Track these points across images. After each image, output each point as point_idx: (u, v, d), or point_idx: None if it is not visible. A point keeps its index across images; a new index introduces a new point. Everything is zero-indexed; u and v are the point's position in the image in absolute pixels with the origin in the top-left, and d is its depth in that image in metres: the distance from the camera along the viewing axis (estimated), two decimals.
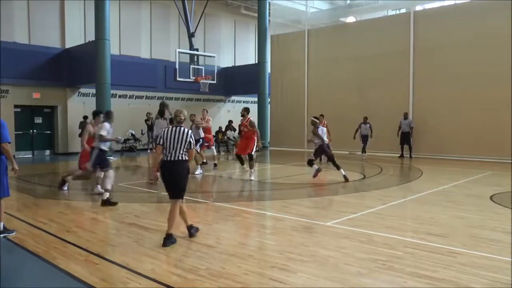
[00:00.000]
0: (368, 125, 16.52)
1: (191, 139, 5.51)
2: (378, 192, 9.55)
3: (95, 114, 9.38)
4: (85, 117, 18.86)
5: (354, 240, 5.50)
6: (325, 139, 11.43)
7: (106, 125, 8.39)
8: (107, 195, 7.94)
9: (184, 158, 5.49)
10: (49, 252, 5.10)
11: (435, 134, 16.96)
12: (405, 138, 16.91)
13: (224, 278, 4.19)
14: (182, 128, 5.53)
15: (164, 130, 5.57)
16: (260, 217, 7.28)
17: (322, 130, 11.45)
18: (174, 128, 5.53)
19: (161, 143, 5.50)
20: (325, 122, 15.11)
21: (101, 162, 8.45)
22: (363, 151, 16.71)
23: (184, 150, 5.48)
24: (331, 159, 11.20)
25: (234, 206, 7.65)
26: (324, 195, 9.28)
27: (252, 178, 11.40)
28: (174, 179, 5.49)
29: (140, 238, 5.71)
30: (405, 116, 17.02)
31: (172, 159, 5.45)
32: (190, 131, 5.60)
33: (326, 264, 4.62)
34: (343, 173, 10.79)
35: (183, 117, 5.65)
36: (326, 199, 8.72)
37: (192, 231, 5.68)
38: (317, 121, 11.47)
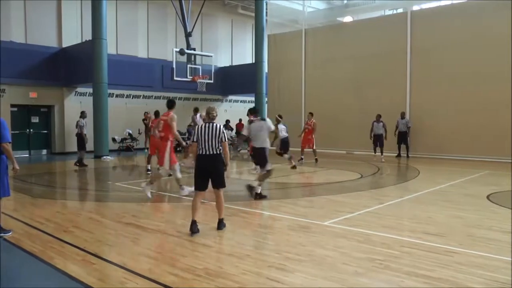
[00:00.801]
0: (381, 123, 15.65)
1: (223, 134, 5.94)
2: (375, 191, 9.57)
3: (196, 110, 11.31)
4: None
5: (351, 240, 5.51)
6: (284, 134, 13.21)
7: (282, 126, 8.62)
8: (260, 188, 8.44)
9: (218, 152, 5.93)
10: (46, 252, 5.08)
11: (432, 134, 16.99)
12: (403, 137, 16.93)
13: (221, 278, 4.19)
14: (215, 124, 5.97)
15: (198, 127, 6.01)
16: (258, 216, 7.28)
17: (284, 128, 13.25)
18: (207, 125, 5.96)
19: (195, 140, 5.97)
20: (313, 121, 15.20)
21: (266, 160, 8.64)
22: (375, 151, 15.81)
23: (219, 144, 5.91)
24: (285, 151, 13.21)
25: (232, 205, 7.64)
26: (321, 195, 9.28)
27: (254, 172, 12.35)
28: (211, 172, 5.94)
29: (137, 238, 5.71)
30: (402, 116, 17.03)
31: (208, 153, 5.88)
32: (222, 126, 6.05)
33: (324, 263, 4.62)
34: (293, 162, 13.12)
35: (215, 114, 6.12)
36: (323, 199, 8.72)
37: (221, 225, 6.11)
38: (280, 119, 13.22)
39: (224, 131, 5.99)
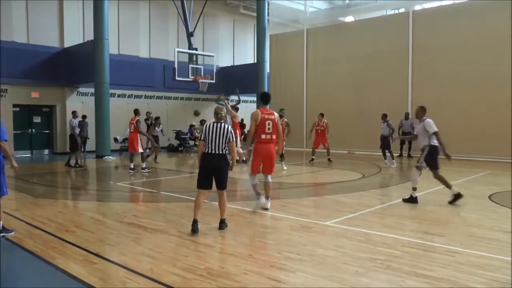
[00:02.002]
0: (386, 123, 14.39)
1: (231, 134, 5.99)
2: (376, 191, 9.58)
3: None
4: (84, 117, 18.84)
5: (352, 240, 5.52)
6: None
7: (430, 121, 7.87)
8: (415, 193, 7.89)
9: (224, 152, 5.97)
10: (47, 251, 5.10)
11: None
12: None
13: (222, 278, 4.20)
14: (223, 124, 6.02)
15: (205, 126, 6.04)
16: (259, 216, 7.28)
17: None
18: (215, 124, 5.99)
19: (202, 138, 6.01)
20: (325, 121, 15.10)
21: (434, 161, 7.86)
22: (385, 156, 14.34)
23: (225, 144, 5.96)
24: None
25: (233, 205, 7.65)
26: (323, 195, 9.29)
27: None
28: (216, 171, 5.96)
29: (139, 237, 5.72)
30: (406, 116, 17.01)
31: (214, 152, 5.92)
32: (230, 126, 6.08)
33: (325, 263, 4.63)
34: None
35: (223, 114, 6.20)
36: (325, 199, 8.72)
37: (222, 225, 6.10)
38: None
39: (232, 131, 6.03)
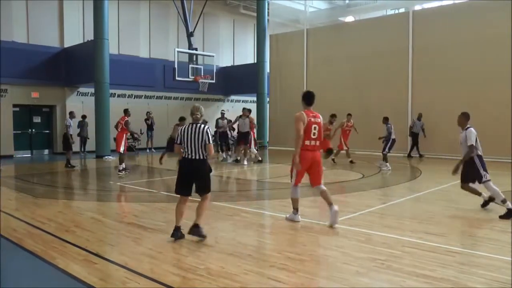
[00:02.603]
0: (385, 127, 13.56)
1: (207, 135, 5.46)
2: (377, 191, 9.56)
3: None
4: (84, 117, 18.87)
5: (353, 240, 5.51)
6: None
7: (471, 131, 7.24)
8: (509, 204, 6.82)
9: (202, 157, 5.51)
10: (47, 251, 5.09)
11: (433, 134, 16.96)
12: (416, 138, 16.98)
13: (223, 278, 4.20)
14: (198, 125, 5.52)
15: (181, 129, 5.59)
16: (259, 216, 7.28)
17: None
18: (190, 126, 5.53)
19: (178, 142, 5.55)
20: (352, 122, 15.15)
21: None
22: (384, 158, 13.54)
23: (203, 147, 5.46)
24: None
25: (233, 205, 7.65)
26: None
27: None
28: (195, 177, 5.54)
29: (139, 237, 5.71)
30: (419, 117, 16.98)
31: (191, 157, 5.49)
32: (206, 127, 5.54)
33: (325, 263, 4.63)
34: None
35: (199, 115, 5.62)
36: None
37: (196, 230, 5.47)
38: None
39: (208, 132, 5.49)
